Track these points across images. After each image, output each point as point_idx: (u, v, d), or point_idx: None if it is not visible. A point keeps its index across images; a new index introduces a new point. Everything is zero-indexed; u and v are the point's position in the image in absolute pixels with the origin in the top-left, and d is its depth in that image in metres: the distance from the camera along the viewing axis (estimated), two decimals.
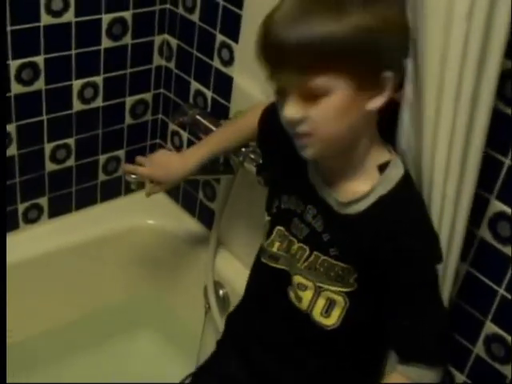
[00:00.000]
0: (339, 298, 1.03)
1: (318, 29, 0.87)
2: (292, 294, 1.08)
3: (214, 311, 1.62)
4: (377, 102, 0.93)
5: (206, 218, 1.71)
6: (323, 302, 1.05)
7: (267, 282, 1.14)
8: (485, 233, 1.10)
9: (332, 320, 1.05)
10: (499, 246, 1.09)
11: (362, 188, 0.98)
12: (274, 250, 1.10)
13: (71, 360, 1.68)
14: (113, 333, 1.77)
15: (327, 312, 1.05)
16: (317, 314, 1.05)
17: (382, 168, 0.99)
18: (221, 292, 1.64)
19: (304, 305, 1.06)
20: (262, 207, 1.51)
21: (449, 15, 0.91)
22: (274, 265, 1.11)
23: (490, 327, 1.14)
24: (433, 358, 1.04)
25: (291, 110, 0.92)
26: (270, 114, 1.09)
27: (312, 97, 0.90)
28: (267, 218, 1.12)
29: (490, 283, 1.12)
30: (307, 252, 1.04)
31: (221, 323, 1.60)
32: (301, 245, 1.05)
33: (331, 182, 1.01)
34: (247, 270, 1.59)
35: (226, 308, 1.64)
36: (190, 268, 1.72)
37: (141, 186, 1.41)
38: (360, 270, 1.00)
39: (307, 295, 1.06)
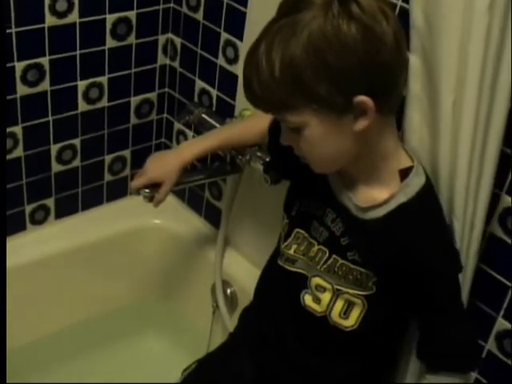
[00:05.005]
0: (358, 301, 1.02)
1: (256, 79, 0.89)
2: (308, 297, 1.07)
3: (222, 310, 1.61)
4: (361, 124, 0.90)
5: (213, 217, 1.70)
6: (342, 304, 1.04)
7: (281, 285, 1.12)
8: (495, 228, 1.10)
9: (351, 321, 1.04)
10: (510, 241, 1.09)
11: (382, 194, 0.97)
12: (291, 252, 1.09)
13: (79, 362, 1.68)
14: (120, 333, 1.76)
15: (346, 314, 1.04)
16: (335, 315, 1.05)
17: (404, 173, 0.98)
18: (228, 291, 1.64)
19: (322, 306, 1.06)
20: (268, 205, 1.51)
21: (469, 10, 0.91)
22: (291, 268, 1.09)
23: (502, 323, 1.14)
24: (466, 365, 1.07)
25: (283, 138, 0.98)
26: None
27: (295, 128, 0.93)
28: (285, 221, 1.11)
29: (502, 278, 1.12)
30: (327, 254, 1.04)
31: (229, 322, 1.59)
32: (320, 247, 1.04)
33: (350, 186, 1.00)
34: (255, 269, 1.60)
35: (234, 307, 1.63)
36: (197, 267, 1.72)
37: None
38: (379, 274, 1.00)
39: (326, 297, 1.05)
